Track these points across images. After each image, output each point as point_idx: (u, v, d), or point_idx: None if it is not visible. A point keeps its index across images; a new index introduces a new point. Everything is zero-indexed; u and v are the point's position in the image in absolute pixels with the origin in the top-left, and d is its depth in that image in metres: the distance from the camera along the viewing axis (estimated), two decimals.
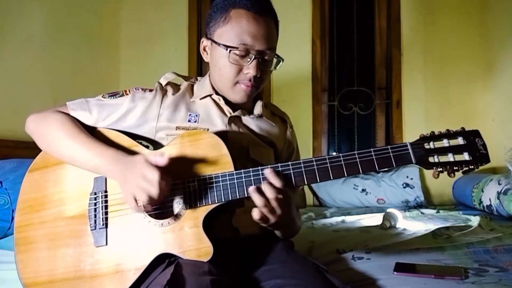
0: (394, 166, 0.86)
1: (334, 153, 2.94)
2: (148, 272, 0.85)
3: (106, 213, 0.90)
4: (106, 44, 2.95)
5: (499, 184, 1.94)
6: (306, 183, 0.88)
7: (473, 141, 0.86)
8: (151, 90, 1.03)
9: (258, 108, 1.08)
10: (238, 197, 0.86)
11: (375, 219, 1.96)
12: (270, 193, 0.83)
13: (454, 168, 0.85)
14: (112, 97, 1.01)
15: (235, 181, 0.87)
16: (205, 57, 1.06)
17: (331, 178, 0.87)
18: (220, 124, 1.01)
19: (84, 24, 2.66)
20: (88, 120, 0.99)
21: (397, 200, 2.55)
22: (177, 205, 0.88)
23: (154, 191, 0.80)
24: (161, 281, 0.74)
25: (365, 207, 2.57)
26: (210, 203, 0.87)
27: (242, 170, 0.87)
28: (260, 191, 0.84)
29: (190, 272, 0.76)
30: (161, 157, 0.84)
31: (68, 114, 0.99)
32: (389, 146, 0.87)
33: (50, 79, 2.32)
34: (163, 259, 0.85)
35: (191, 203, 0.87)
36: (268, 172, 0.85)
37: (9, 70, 2.04)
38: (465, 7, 2.78)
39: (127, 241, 0.88)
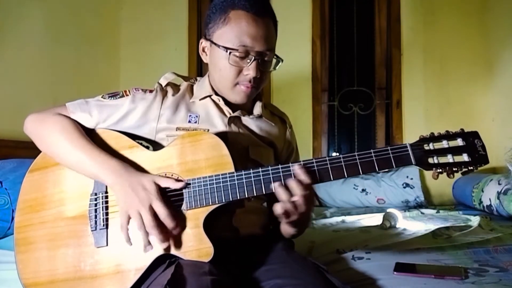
0: (394, 167, 0.86)
1: (334, 154, 2.94)
2: (149, 273, 0.85)
3: (107, 213, 0.90)
4: (106, 44, 2.95)
5: (499, 184, 1.95)
6: None
7: (472, 142, 0.86)
8: (151, 91, 1.03)
9: (257, 108, 1.08)
10: (238, 197, 0.86)
11: (375, 219, 1.96)
12: (299, 189, 0.83)
13: (453, 169, 0.85)
14: (112, 98, 1.01)
15: (236, 181, 0.87)
16: (204, 58, 1.06)
17: (332, 179, 0.87)
18: (220, 124, 1.01)
19: (84, 24, 2.66)
20: (89, 123, 0.99)
21: (397, 200, 2.55)
22: (178, 205, 0.88)
23: (155, 230, 0.82)
24: (162, 281, 0.74)
25: (365, 207, 2.56)
26: (210, 203, 0.87)
27: (243, 171, 0.87)
28: (285, 186, 0.84)
29: (191, 272, 0.76)
30: (178, 183, 0.86)
31: (68, 117, 0.98)
32: (389, 147, 0.87)
33: (50, 79, 2.32)
34: (164, 260, 0.85)
35: (191, 204, 0.87)
36: (297, 168, 0.85)
37: (9, 70, 2.04)
38: (465, 7, 2.78)
39: (127, 241, 0.88)
